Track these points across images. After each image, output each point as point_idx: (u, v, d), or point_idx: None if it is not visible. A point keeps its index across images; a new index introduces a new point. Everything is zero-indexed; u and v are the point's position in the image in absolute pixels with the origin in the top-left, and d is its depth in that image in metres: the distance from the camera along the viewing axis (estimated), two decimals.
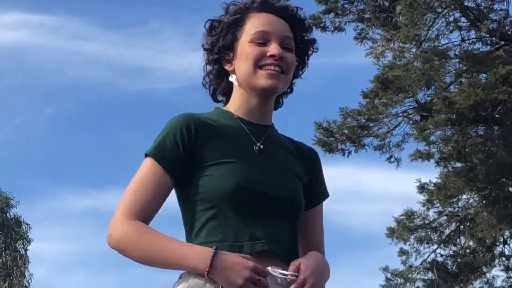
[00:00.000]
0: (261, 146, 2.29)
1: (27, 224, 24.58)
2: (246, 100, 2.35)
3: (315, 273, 2.10)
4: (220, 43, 2.34)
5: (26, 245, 24.17)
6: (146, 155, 2.24)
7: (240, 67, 2.32)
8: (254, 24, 2.32)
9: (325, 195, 2.50)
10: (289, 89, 2.50)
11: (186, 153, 2.22)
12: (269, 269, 2.09)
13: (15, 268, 22.77)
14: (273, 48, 2.26)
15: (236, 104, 2.36)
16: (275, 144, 2.36)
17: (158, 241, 2.15)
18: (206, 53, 2.42)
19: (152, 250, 2.15)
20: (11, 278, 22.29)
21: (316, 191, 2.45)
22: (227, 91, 2.43)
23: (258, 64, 2.26)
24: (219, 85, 2.45)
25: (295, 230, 2.30)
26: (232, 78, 2.35)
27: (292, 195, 2.29)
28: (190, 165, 2.24)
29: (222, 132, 2.30)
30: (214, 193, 2.19)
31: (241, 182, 2.19)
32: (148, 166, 2.22)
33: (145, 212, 2.20)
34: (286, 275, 2.09)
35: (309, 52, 2.46)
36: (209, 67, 2.43)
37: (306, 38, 2.43)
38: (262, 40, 2.28)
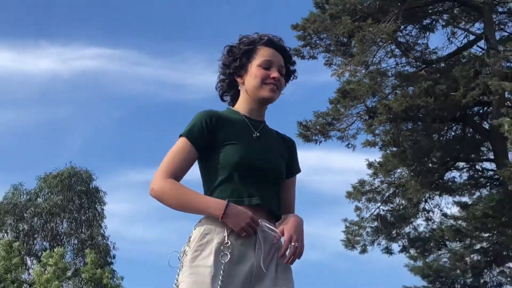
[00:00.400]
0: (258, 134, 2.61)
1: (103, 191, 25.78)
2: (249, 104, 2.68)
3: (296, 231, 2.44)
4: (237, 63, 2.66)
5: (102, 206, 25.32)
6: (180, 135, 2.56)
7: (250, 81, 2.64)
8: (262, 54, 2.65)
9: (298, 170, 2.79)
10: None
11: (208, 135, 2.54)
12: (260, 221, 2.44)
13: (95, 222, 24.02)
14: (274, 73, 2.61)
15: (241, 106, 2.68)
16: (267, 134, 2.67)
17: (188, 193, 2.47)
18: (223, 67, 2.72)
19: (183, 199, 2.46)
20: (92, 228, 23.66)
21: (292, 167, 2.75)
22: (235, 96, 2.75)
23: (264, 82, 2.60)
24: (230, 91, 2.75)
25: (279, 192, 2.62)
26: (241, 89, 2.69)
27: (276, 167, 2.60)
28: (210, 144, 2.55)
29: (232, 123, 2.60)
30: (224, 164, 2.51)
31: (243, 158, 2.51)
32: (181, 142, 2.54)
33: (177, 173, 2.51)
34: (272, 229, 2.44)
35: (291, 77, 2.80)
36: (222, 77, 2.74)
37: (291, 68, 2.78)
38: (267, 65, 2.61)
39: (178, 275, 2.44)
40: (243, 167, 2.49)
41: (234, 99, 2.74)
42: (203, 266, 2.36)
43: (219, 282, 2.31)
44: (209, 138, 2.54)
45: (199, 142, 2.53)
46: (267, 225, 2.44)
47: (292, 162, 2.73)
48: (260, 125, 2.66)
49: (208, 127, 2.54)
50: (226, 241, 2.39)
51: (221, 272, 2.33)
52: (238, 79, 2.67)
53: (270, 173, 2.56)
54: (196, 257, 2.39)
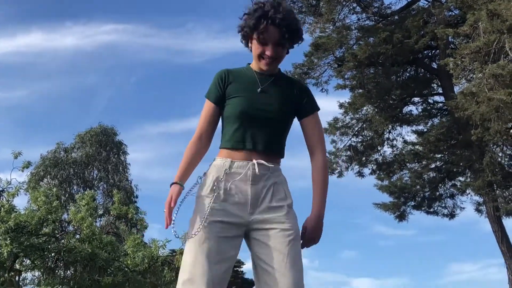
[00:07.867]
0: (261, 88, 2.49)
1: (125, 144, 25.97)
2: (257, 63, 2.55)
3: (315, 232, 2.45)
4: (246, 31, 2.48)
5: (125, 156, 25.60)
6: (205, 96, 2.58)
7: (252, 50, 2.52)
8: (262, 30, 2.41)
9: (311, 111, 2.55)
10: (289, 48, 2.54)
11: (221, 91, 2.52)
12: (257, 161, 2.40)
13: (120, 168, 24.34)
14: (268, 51, 2.44)
15: (254, 63, 2.56)
16: (275, 86, 2.52)
17: (182, 160, 2.50)
18: (239, 28, 2.52)
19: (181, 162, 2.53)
20: (118, 174, 23.98)
21: (305, 108, 2.53)
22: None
23: (260, 56, 2.47)
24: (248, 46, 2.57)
25: (278, 134, 2.49)
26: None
27: (274, 115, 2.45)
28: (224, 98, 2.52)
29: (241, 79, 2.53)
30: (230, 115, 2.49)
31: (244, 108, 2.45)
32: (205, 103, 2.56)
33: (203, 130, 2.53)
34: (264, 167, 2.39)
35: (299, 41, 2.52)
36: (240, 37, 2.55)
37: (297, 38, 2.49)
38: (263, 42, 2.43)
39: None
40: (243, 117, 2.44)
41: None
42: (202, 196, 2.40)
43: (214, 209, 2.34)
44: (222, 93, 2.53)
45: (216, 99, 2.54)
46: (261, 162, 2.40)
47: (303, 104, 2.56)
48: (270, 79, 2.54)
49: (220, 84, 2.53)
50: (221, 177, 2.40)
51: (218, 200, 2.37)
52: (249, 43, 2.54)
53: (269, 120, 2.45)
54: (200, 191, 2.44)
